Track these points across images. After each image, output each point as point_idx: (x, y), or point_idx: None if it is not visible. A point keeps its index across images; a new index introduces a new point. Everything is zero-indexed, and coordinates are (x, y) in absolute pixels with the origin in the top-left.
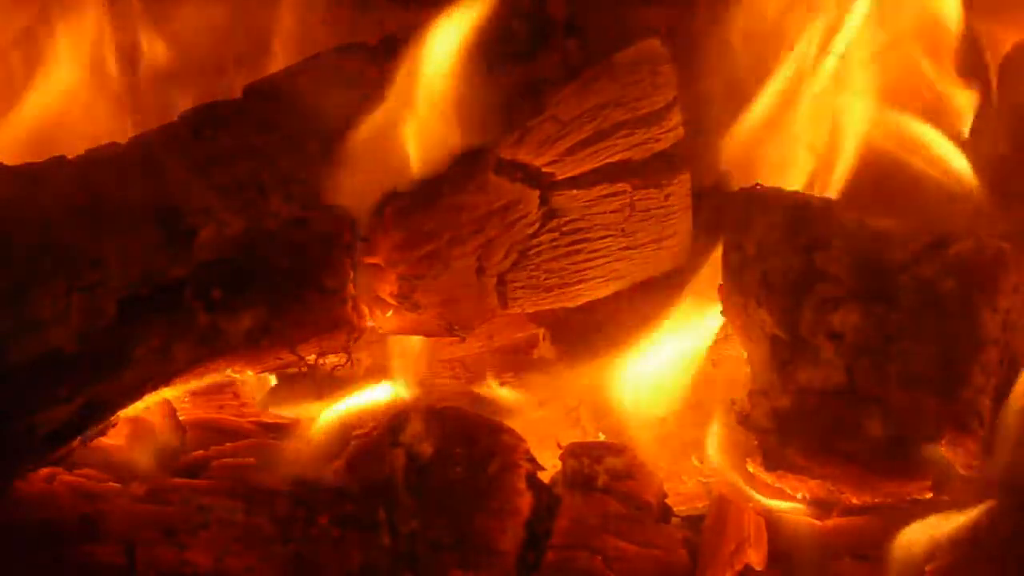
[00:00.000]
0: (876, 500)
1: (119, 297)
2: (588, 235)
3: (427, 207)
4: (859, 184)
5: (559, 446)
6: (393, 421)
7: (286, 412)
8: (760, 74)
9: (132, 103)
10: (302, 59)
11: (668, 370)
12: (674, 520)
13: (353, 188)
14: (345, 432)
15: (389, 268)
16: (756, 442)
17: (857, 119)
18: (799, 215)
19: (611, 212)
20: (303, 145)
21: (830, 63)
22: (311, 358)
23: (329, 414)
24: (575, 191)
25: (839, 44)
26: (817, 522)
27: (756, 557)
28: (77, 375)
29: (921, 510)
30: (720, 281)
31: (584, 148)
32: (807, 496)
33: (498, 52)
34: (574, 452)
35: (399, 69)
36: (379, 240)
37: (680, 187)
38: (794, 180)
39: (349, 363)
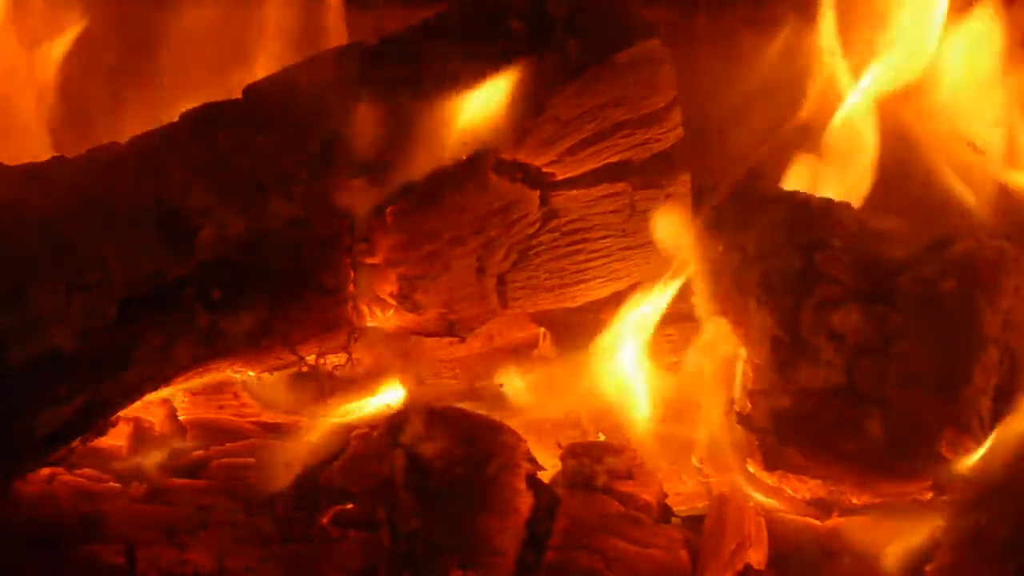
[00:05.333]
0: (876, 500)
1: (119, 297)
2: (588, 235)
3: (427, 207)
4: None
5: (559, 446)
6: (393, 421)
7: (286, 412)
8: (760, 74)
9: None
10: (302, 59)
11: (667, 370)
12: (674, 520)
13: (353, 188)
14: (345, 432)
15: (389, 268)
16: (756, 442)
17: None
18: (799, 215)
19: (611, 212)
20: (303, 145)
21: (828, 62)
22: (311, 358)
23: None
24: (575, 191)
25: (836, 44)
26: (817, 522)
27: (756, 557)
28: (77, 375)
29: (921, 510)
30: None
31: (584, 148)
32: (807, 496)
33: (498, 52)
34: (574, 452)
35: (399, 69)
36: (379, 240)
37: (680, 187)
38: (794, 180)
39: (349, 363)
